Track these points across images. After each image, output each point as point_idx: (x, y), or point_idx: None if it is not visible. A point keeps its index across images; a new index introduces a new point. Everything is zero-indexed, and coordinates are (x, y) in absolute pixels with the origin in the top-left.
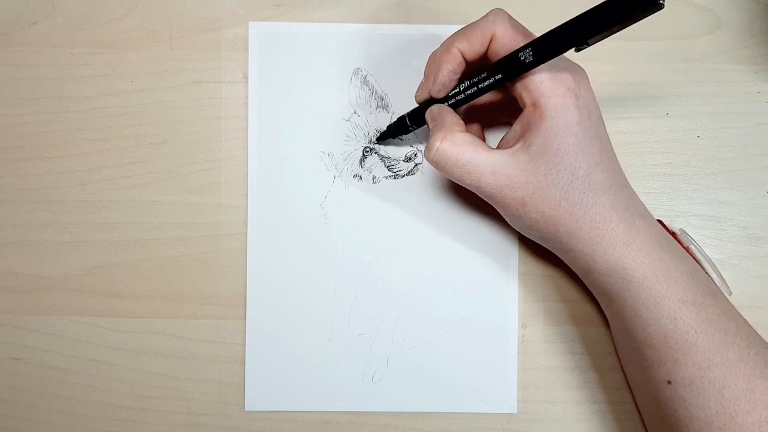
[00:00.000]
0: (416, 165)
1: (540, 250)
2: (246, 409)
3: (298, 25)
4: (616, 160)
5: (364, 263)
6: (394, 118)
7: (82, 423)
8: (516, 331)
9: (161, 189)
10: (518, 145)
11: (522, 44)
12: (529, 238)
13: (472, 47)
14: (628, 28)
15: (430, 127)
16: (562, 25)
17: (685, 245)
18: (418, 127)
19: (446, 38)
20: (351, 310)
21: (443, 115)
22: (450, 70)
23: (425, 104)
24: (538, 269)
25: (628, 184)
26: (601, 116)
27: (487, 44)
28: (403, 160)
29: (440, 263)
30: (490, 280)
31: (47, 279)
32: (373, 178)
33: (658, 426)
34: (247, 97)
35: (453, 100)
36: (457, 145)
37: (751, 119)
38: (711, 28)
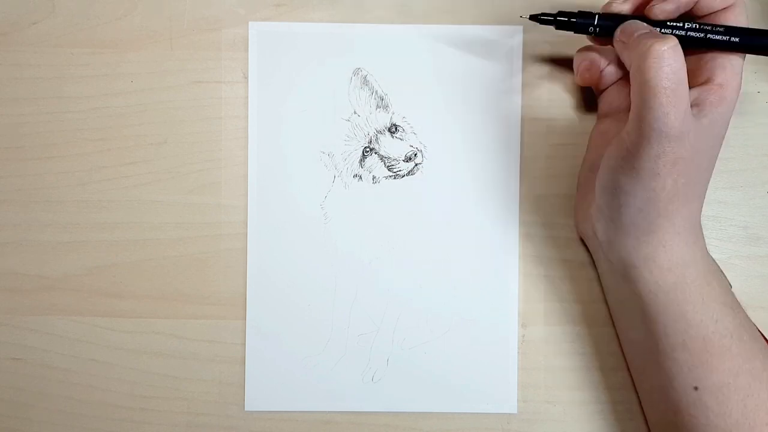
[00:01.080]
0: (416, 165)
1: (540, 250)
2: (246, 409)
3: (298, 25)
4: None
5: (364, 263)
6: (395, 119)
7: (82, 423)
8: (516, 331)
9: (161, 189)
10: (695, 110)
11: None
12: (601, 201)
13: (680, 2)
14: None
15: (638, 34)
16: None
17: None
18: (598, 36)
19: None
20: (351, 310)
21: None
22: None
23: (618, 17)
24: (538, 269)
25: None
26: None
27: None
28: (403, 160)
29: (440, 263)
30: (490, 281)
31: (47, 279)
32: (373, 178)
33: None
34: (247, 97)
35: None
36: (683, 61)
37: (751, 119)
38: None
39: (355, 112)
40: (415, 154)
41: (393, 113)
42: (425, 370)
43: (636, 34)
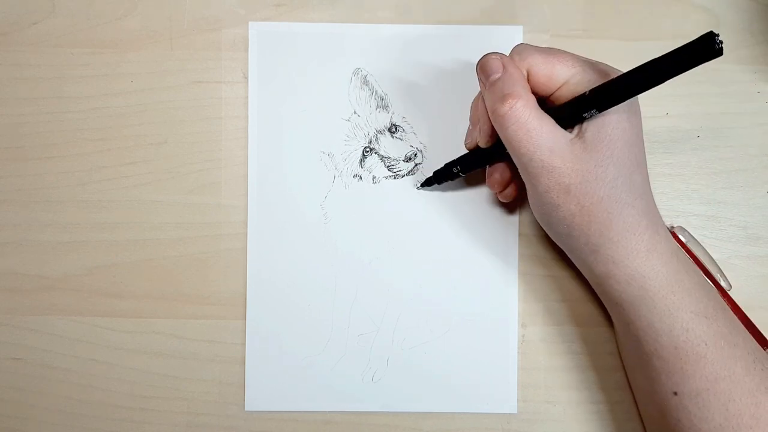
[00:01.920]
0: (416, 165)
1: (540, 250)
2: (246, 409)
3: (298, 25)
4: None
5: (364, 263)
6: (395, 119)
7: (82, 423)
8: (516, 331)
9: (161, 189)
10: (575, 131)
11: (555, 64)
12: (551, 234)
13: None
14: (629, 30)
15: (491, 78)
16: (622, 76)
17: (683, 241)
18: (467, 173)
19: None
20: (351, 310)
21: (511, 69)
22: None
23: (475, 151)
24: (538, 269)
25: (652, 193)
26: (641, 115)
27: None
28: (403, 160)
29: (440, 263)
30: (490, 280)
31: (47, 279)
32: (373, 178)
33: None
34: (247, 97)
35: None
36: (530, 109)
37: (751, 119)
38: (711, 28)
39: (355, 112)
40: (415, 154)
41: (393, 113)
42: (425, 370)
43: (489, 80)
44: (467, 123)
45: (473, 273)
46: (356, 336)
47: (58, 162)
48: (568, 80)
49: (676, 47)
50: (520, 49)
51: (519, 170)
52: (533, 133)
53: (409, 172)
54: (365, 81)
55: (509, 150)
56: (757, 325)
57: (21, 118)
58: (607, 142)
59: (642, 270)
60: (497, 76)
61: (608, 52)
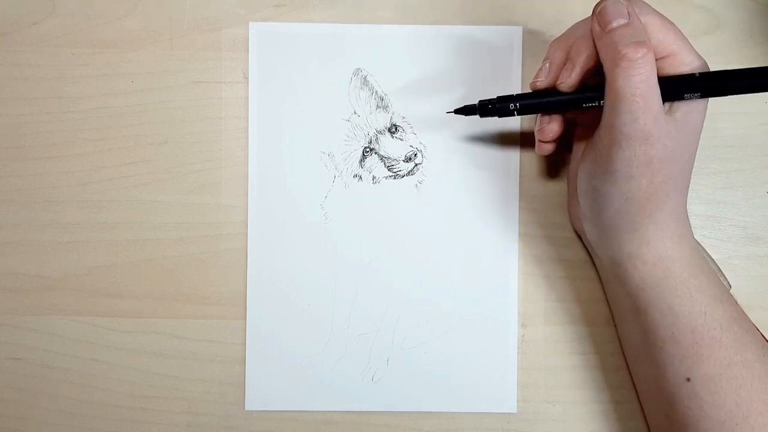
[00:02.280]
0: (416, 165)
1: (540, 250)
2: (246, 409)
3: (298, 26)
4: None
5: (364, 263)
6: (395, 119)
7: (82, 423)
8: (516, 331)
9: (161, 189)
10: (665, 107)
11: (670, 31)
12: (585, 203)
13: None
14: None
15: (614, 24)
16: (739, 70)
17: None
18: (523, 114)
19: (577, 25)
20: (351, 310)
21: (638, 22)
22: (591, 65)
23: (544, 92)
24: (538, 269)
25: None
26: None
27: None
28: (403, 160)
29: (440, 263)
30: (489, 280)
31: (47, 279)
32: (373, 178)
33: (666, 426)
34: (247, 97)
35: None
36: (655, 66)
37: (751, 119)
38: (711, 28)
39: (355, 112)
40: (415, 154)
41: (393, 113)
42: (425, 370)
43: (609, 28)
44: (467, 123)
45: (473, 273)
46: (356, 336)
47: (58, 162)
48: (676, 54)
49: None
50: (640, 4)
51: (607, 131)
52: (651, 93)
53: (409, 172)
54: (365, 81)
55: (616, 102)
56: (757, 325)
57: (21, 118)
58: (692, 127)
59: (671, 253)
60: (624, 21)
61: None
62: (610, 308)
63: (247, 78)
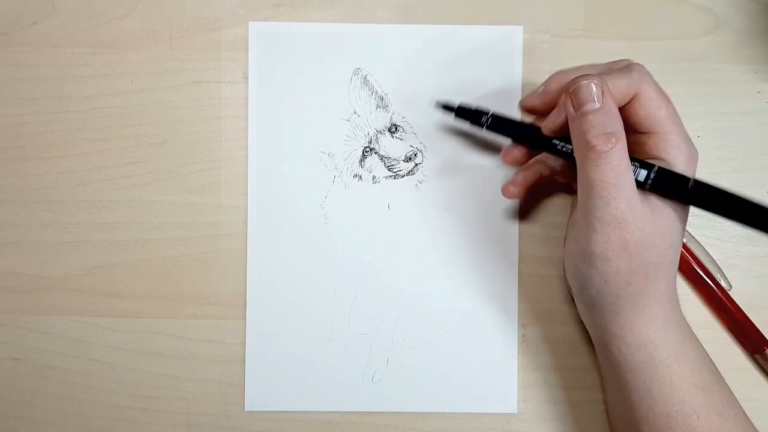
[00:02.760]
0: (416, 165)
1: (540, 250)
2: (246, 409)
3: (298, 25)
4: None
5: (364, 263)
6: (395, 119)
7: (82, 423)
8: (516, 331)
9: (161, 189)
10: (645, 192)
11: (663, 108)
12: (573, 282)
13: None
14: (629, 30)
15: (585, 108)
16: (732, 196)
17: (684, 242)
18: (492, 131)
19: (579, 68)
20: (351, 310)
21: (611, 106)
22: None
23: (526, 127)
24: (538, 269)
25: None
26: None
27: (625, 102)
28: (403, 160)
29: (440, 263)
30: (490, 281)
31: (47, 279)
32: (373, 178)
33: None
34: (247, 97)
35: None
36: (626, 153)
37: (751, 119)
38: (711, 28)
39: (355, 112)
40: (415, 154)
41: (393, 113)
42: (425, 370)
43: (580, 111)
44: (467, 123)
45: (473, 273)
46: (356, 336)
47: (58, 162)
48: (665, 133)
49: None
50: (639, 68)
51: (582, 214)
52: (622, 179)
53: (409, 172)
54: (365, 81)
55: (587, 189)
56: (757, 325)
57: (21, 118)
58: (669, 212)
59: (654, 338)
60: (596, 106)
61: (608, 52)
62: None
63: (246, 78)
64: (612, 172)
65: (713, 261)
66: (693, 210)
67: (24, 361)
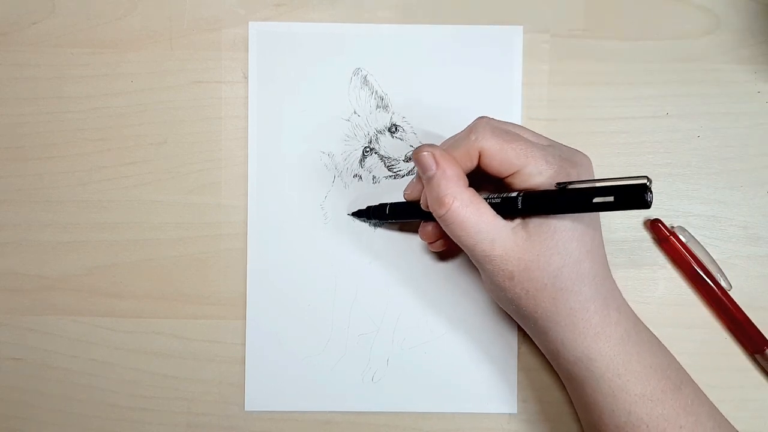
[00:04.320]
0: None
1: None
2: (246, 409)
3: (298, 25)
4: (604, 248)
5: (364, 263)
6: (395, 119)
7: (82, 423)
8: (516, 331)
9: (161, 189)
10: (517, 221)
11: (508, 152)
12: (504, 309)
13: (463, 164)
14: (629, 30)
15: (426, 174)
16: (565, 190)
17: (683, 241)
18: (398, 220)
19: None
20: (351, 310)
21: (444, 166)
22: None
23: (412, 205)
24: None
25: (610, 273)
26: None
27: (477, 161)
28: (403, 160)
29: (440, 263)
30: None
31: (47, 279)
32: (373, 178)
33: None
34: (247, 97)
35: None
36: (465, 205)
37: (751, 119)
38: (711, 28)
39: (355, 112)
40: None
41: (393, 113)
42: (425, 370)
43: (426, 175)
44: (467, 123)
45: (473, 273)
46: (356, 336)
47: (58, 162)
48: (519, 170)
49: (613, 184)
50: (477, 128)
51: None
52: (472, 230)
53: (409, 172)
54: (365, 81)
55: (455, 241)
56: (758, 325)
57: (21, 118)
58: (551, 233)
59: (588, 352)
60: (432, 172)
61: (608, 52)
62: None
63: (246, 78)
64: (459, 226)
65: (713, 261)
66: (693, 210)
67: (24, 361)
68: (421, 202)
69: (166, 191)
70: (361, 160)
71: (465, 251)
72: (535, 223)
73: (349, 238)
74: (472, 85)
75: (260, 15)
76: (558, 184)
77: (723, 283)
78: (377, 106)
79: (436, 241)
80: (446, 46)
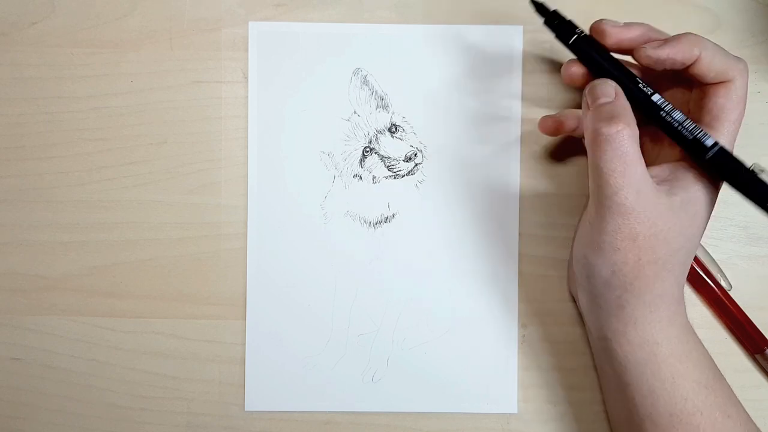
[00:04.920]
0: (416, 165)
1: (540, 250)
2: (246, 409)
3: (298, 25)
4: None
5: (364, 263)
6: (395, 119)
7: (82, 423)
8: (516, 331)
9: (161, 189)
10: (664, 187)
11: (730, 59)
12: (581, 272)
13: (680, 55)
14: None
15: (601, 100)
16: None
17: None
18: (578, 59)
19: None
20: (351, 310)
21: (624, 101)
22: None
23: (595, 46)
24: (538, 269)
25: None
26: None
27: (691, 63)
28: (403, 160)
29: (440, 263)
30: (490, 280)
31: (47, 279)
32: (373, 178)
33: None
34: (247, 97)
35: (640, 91)
36: (634, 140)
37: (751, 119)
38: (711, 28)
39: (355, 112)
40: (415, 154)
41: (393, 113)
42: (425, 370)
43: (596, 103)
44: (467, 123)
45: (473, 273)
46: (356, 336)
47: (58, 162)
48: (732, 81)
49: None
50: (692, 34)
51: (592, 201)
52: (630, 167)
53: (409, 172)
54: (365, 81)
55: (596, 176)
56: (758, 325)
57: (21, 118)
58: (692, 214)
59: (658, 337)
60: (609, 99)
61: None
62: (597, 375)
63: (246, 78)
64: (618, 160)
65: (713, 261)
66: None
67: (24, 361)
68: (569, 124)
69: (166, 191)
70: (361, 160)
71: (597, 198)
72: (682, 196)
73: (349, 238)
74: (471, 85)
75: (260, 15)
76: (752, 167)
77: (723, 283)
78: (377, 106)
79: (582, 83)
80: (446, 46)
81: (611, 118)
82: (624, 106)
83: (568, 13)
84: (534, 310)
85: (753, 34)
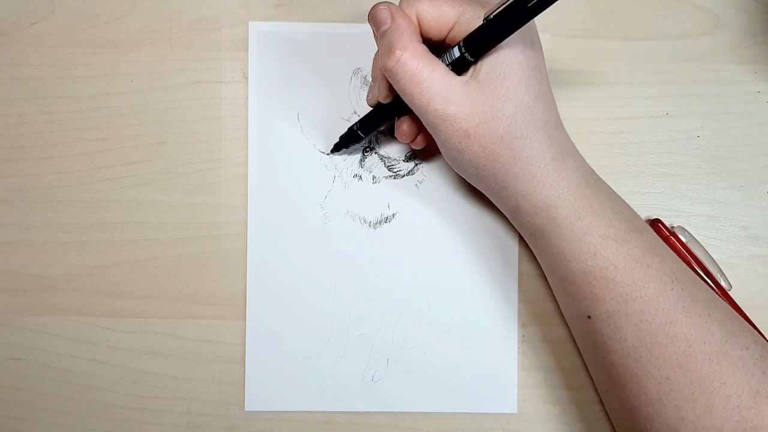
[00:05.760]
0: (416, 165)
1: None
2: (246, 409)
3: (298, 25)
4: (553, 95)
5: (364, 263)
6: None
7: (82, 423)
8: (516, 331)
9: (161, 189)
10: (468, 74)
11: (442, 6)
12: (463, 176)
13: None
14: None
15: (380, 29)
16: (499, 15)
17: (684, 241)
18: (368, 135)
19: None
20: (351, 310)
21: (399, 20)
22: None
23: (377, 109)
24: (538, 269)
25: (561, 122)
26: (541, 47)
27: (419, 30)
28: (403, 160)
29: (440, 263)
30: (490, 280)
31: (47, 279)
32: (373, 178)
33: (587, 357)
34: (247, 97)
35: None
36: (417, 57)
37: (751, 119)
38: (711, 28)
39: (355, 112)
40: (415, 154)
41: None
42: (425, 370)
43: (379, 32)
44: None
45: (473, 273)
46: (356, 336)
47: (58, 162)
48: (457, 19)
49: None
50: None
51: (421, 120)
52: (424, 84)
53: (409, 172)
54: (365, 81)
55: (408, 102)
56: (758, 325)
57: (21, 118)
58: (501, 80)
59: (548, 200)
60: (386, 26)
61: (608, 52)
62: None
63: (246, 78)
64: (411, 83)
65: (713, 261)
66: (693, 210)
67: (24, 361)
68: (368, 98)
69: (166, 191)
70: (361, 160)
71: (418, 115)
72: (486, 70)
73: (349, 238)
74: None
75: (260, 15)
76: (485, 15)
77: (723, 283)
78: None
79: (415, 137)
80: None
81: (389, 50)
82: (401, 27)
83: (569, 13)
84: (534, 310)
85: (753, 34)
